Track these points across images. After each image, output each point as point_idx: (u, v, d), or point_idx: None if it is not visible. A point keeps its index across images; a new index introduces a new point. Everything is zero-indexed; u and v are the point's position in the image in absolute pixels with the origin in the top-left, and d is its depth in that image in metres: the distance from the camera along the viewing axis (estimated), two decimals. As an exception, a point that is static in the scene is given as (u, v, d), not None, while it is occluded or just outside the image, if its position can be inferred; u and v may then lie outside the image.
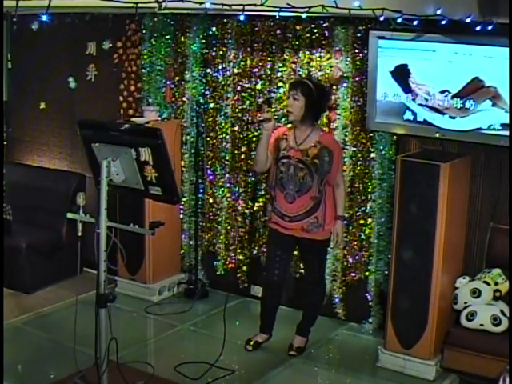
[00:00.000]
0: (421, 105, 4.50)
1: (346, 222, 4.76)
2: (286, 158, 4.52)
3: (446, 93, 4.40)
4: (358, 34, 4.84)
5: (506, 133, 4.21)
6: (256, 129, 5.30)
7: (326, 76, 5.03)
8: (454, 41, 4.29)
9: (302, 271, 5.14)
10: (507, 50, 4.05)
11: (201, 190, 5.74)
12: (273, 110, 5.11)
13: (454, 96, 4.37)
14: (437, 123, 4.48)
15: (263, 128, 4.49)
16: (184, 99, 5.72)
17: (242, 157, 5.51)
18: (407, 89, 4.53)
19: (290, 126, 4.64)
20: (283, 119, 4.89)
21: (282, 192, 4.53)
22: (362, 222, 5.07)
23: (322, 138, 4.51)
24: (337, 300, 5.21)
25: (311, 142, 4.49)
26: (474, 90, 4.28)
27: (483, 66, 4.24)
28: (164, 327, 5.21)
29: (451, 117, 4.42)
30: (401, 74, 4.53)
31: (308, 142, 4.49)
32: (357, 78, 4.90)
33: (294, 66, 5.16)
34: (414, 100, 4.52)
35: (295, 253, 5.00)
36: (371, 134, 4.91)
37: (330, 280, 5.17)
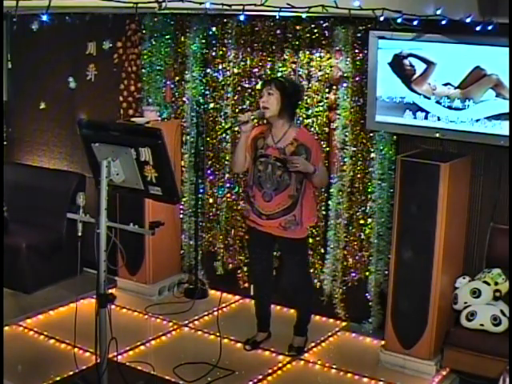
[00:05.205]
0: (424, 98, 4.49)
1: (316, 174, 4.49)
2: (264, 157, 4.51)
3: (449, 86, 4.40)
4: (358, 34, 4.83)
5: (506, 132, 4.21)
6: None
7: (326, 76, 5.04)
8: (454, 41, 4.29)
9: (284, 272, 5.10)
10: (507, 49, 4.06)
11: (201, 190, 5.74)
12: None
13: (457, 88, 4.36)
14: (439, 115, 4.47)
15: (241, 130, 4.47)
16: (184, 99, 5.72)
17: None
18: (407, 81, 4.52)
19: (267, 124, 4.59)
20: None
21: (260, 191, 4.52)
22: (362, 222, 5.07)
23: (298, 135, 4.50)
24: (337, 300, 5.21)
25: (288, 139, 4.48)
26: (476, 79, 4.27)
27: (484, 55, 4.22)
28: (164, 327, 5.20)
29: (454, 108, 4.41)
30: (399, 65, 4.53)
31: (285, 140, 4.48)
32: (357, 78, 4.89)
33: (294, 65, 5.16)
34: (415, 92, 4.51)
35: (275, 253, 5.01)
36: (371, 134, 4.91)
37: (330, 280, 5.18)
